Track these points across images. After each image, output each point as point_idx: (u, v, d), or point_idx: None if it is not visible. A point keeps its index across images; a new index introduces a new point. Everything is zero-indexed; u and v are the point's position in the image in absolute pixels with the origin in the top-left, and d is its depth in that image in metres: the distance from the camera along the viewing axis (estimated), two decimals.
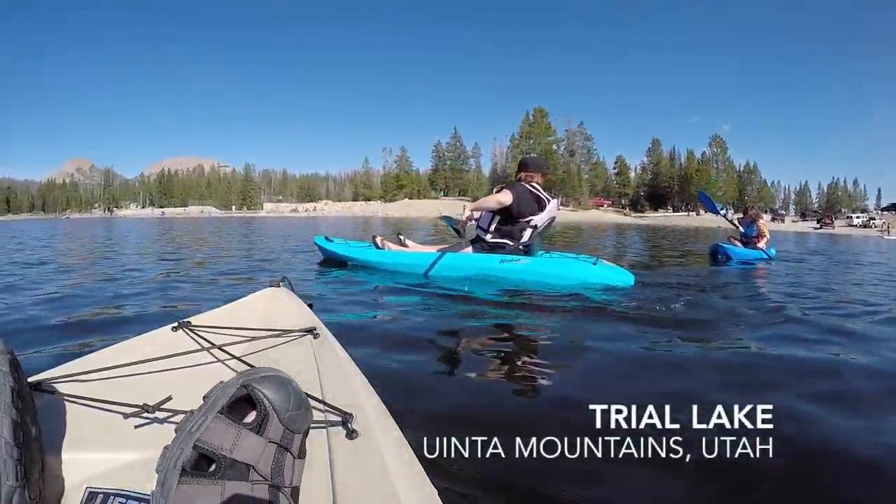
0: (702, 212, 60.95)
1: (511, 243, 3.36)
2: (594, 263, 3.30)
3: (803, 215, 63.46)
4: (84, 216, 72.95)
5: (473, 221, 3.60)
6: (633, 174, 74.90)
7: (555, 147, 66.04)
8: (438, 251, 3.44)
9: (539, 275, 3.22)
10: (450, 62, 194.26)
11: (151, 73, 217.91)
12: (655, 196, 69.70)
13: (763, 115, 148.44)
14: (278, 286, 1.14)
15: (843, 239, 20.57)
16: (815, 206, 79.72)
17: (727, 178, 66.67)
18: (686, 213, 61.53)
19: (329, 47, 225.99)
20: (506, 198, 3.33)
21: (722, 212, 7.64)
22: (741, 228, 6.92)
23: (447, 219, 4.27)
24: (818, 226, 41.86)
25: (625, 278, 3.24)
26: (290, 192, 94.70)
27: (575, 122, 70.18)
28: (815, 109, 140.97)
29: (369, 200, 76.55)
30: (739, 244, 6.66)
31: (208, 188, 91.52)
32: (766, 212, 66.54)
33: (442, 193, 71.62)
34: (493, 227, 3.44)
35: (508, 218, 3.38)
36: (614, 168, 74.52)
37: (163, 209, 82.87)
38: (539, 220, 3.37)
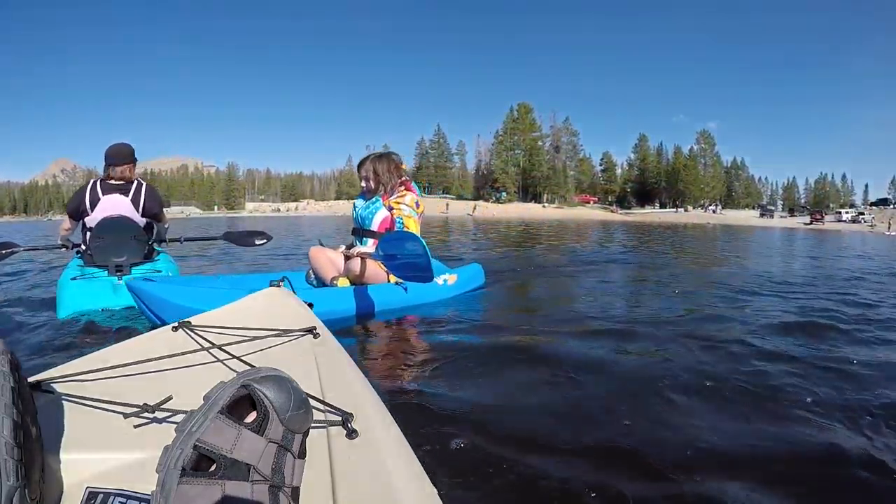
0: (689, 208, 61.40)
1: (83, 247, 2.93)
2: (118, 280, 2.60)
3: (791, 211, 63.78)
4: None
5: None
6: (619, 171, 74.89)
7: (539, 143, 65.74)
8: None
9: (61, 285, 2.76)
10: (434, 59, 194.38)
11: (139, 74, 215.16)
12: (642, 192, 69.96)
13: (751, 111, 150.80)
14: (278, 286, 1.13)
15: (834, 235, 20.30)
16: (803, 201, 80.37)
17: (714, 174, 66.94)
18: (674, 210, 61.93)
19: (314, 46, 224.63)
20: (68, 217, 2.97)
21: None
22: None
23: None
24: (808, 222, 41.99)
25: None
26: (274, 192, 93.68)
27: (560, 118, 70.18)
28: (803, 106, 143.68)
29: (352, 199, 75.55)
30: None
31: (191, 188, 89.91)
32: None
33: (425, 191, 71.19)
34: None
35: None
36: (601, 164, 74.55)
37: None
38: (91, 220, 2.84)
